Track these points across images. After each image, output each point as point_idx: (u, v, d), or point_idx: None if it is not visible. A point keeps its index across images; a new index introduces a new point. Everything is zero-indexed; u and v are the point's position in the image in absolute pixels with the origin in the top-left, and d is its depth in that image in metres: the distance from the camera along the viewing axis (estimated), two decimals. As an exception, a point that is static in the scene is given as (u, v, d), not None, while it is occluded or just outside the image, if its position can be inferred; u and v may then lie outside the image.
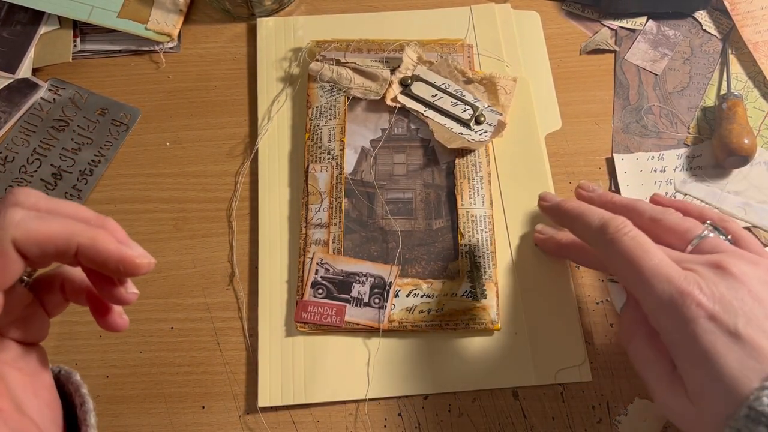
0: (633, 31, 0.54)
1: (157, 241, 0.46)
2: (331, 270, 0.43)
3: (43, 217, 0.24)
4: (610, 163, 0.49)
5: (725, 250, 0.33)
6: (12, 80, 0.51)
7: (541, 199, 0.43)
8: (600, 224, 0.34)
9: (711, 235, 0.34)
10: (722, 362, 0.28)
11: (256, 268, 0.45)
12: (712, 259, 0.31)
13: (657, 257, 0.31)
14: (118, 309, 0.29)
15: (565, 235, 0.42)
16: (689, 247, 0.34)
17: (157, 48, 0.53)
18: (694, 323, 0.29)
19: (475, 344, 0.42)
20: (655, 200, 0.41)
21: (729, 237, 0.35)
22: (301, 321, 0.42)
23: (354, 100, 0.49)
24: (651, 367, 0.32)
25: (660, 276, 0.31)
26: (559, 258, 0.44)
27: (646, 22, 0.54)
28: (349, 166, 0.47)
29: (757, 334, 0.28)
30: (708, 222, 0.35)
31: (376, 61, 0.50)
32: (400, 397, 0.41)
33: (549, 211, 0.42)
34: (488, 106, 0.49)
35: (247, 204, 0.47)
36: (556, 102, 0.51)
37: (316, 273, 0.43)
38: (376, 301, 0.43)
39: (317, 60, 0.50)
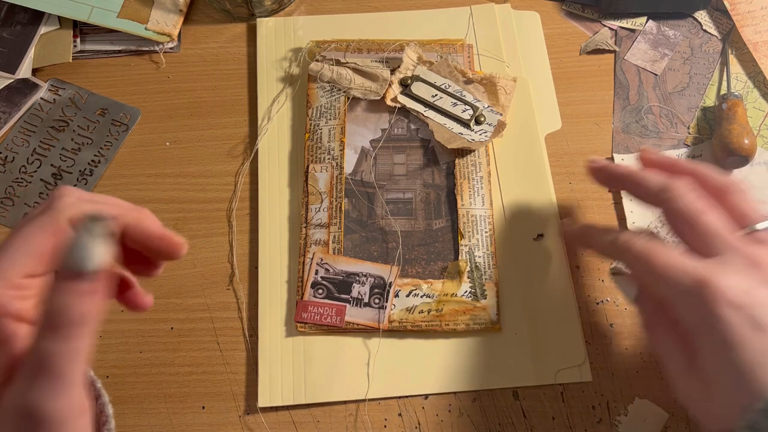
0: (633, 31, 0.54)
1: (157, 241, 0.46)
2: (331, 270, 0.43)
3: (93, 200, 0.28)
4: (610, 163, 0.49)
5: None
6: (12, 80, 0.51)
7: (591, 162, 0.41)
8: (658, 188, 0.35)
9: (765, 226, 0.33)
10: (742, 353, 0.28)
11: (256, 268, 0.45)
12: (752, 254, 0.31)
13: (671, 258, 0.32)
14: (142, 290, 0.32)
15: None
16: (741, 232, 0.33)
17: (157, 48, 0.53)
18: (717, 309, 0.29)
19: (475, 344, 0.42)
20: (647, 158, 0.39)
21: None
22: (301, 321, 0.42)
23: (354, 100, 0.49)
24: (672, 356, 0.32)
25: (678, 268, 0.31)
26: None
27: (646, 22, 0.54)
28: (349, 166, 0.47)
29: None
30: None
31: (376, 61, 0.50)
32: (400, 397, 0.41)
33: (596, 173, 0.40)
34: (488, 107, 0.49)
35: (247, 204, 0.47)
36: (556, 102, 0.51)
37: (316, 273, 0.43)
38: (376, 301, 0.43)
39: (317, 60, 0.50)
